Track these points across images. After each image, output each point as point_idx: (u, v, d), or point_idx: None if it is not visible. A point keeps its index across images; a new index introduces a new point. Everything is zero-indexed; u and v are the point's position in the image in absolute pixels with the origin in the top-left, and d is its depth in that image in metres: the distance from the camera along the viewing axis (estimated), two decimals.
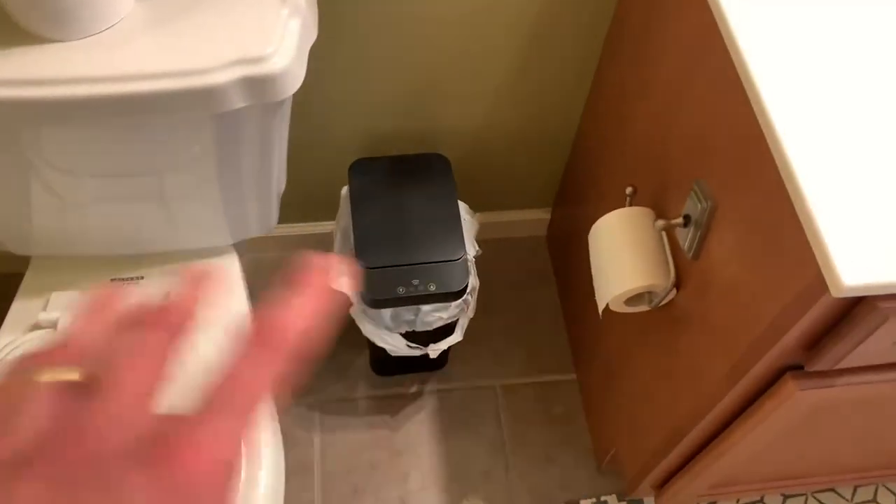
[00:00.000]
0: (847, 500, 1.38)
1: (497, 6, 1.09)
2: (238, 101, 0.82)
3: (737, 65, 0.74)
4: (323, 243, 1.51)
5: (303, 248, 1.53)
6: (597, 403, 1.36)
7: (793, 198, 0.66)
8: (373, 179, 1.23)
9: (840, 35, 0.75)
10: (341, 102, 1.22)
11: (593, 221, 1.00)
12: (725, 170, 0.81)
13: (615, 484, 1.35)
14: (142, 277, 1.05)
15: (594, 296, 1.00)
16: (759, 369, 0.79)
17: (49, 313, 1.01)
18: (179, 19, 0.82)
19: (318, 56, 1.10)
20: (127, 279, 1.04)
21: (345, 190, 1.27)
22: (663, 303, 0.96)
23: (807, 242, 0.64)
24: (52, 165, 0.91)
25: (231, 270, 1.07)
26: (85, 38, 0.80)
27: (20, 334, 1.00)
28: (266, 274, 1.52)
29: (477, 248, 1.26)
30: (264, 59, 0.81)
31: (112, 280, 1.04)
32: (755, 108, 0.71)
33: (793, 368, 0.79)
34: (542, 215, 1.54)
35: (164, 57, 0.80)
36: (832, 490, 1.38)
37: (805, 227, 0.64)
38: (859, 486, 1.37)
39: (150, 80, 0.78)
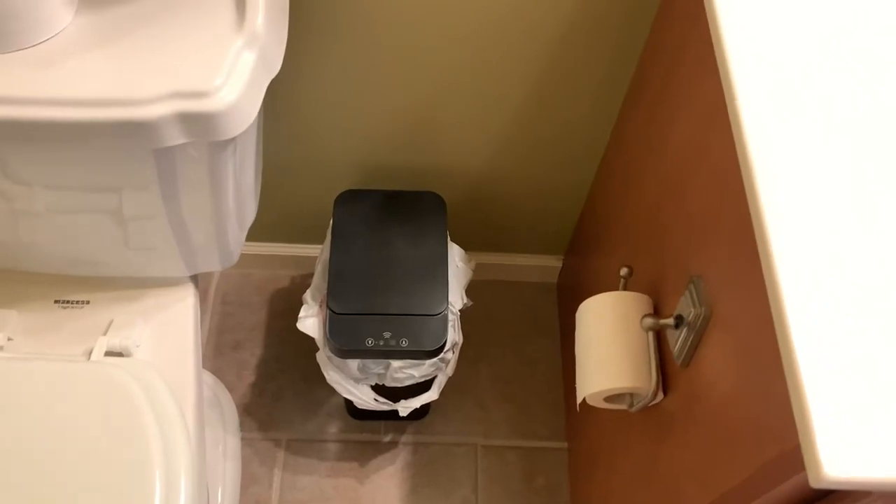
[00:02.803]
0: None
1: (513, 45, 0.98)
2: (175, 138, 0.73)
3: (738, 152, 0.61)
4: (308, 266, 1.42)
5: (289, 269, 1.44)
6: (585, 481, 1.24)
7: (781, 347, 0.53)
8: (359, 214, 1.13)
9: (866, 136, 0.62)
10: (334, 128, 1.12)
11: (604, 278, 0.88)
12: (725, 272, 0.68)
13: None
14: (87, 302, 0.97)
15: None
16: None
17: None
18: (120, 40, 0.73)
19: (314, 75, 1.01)
20: (71, 302, 0.97)
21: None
22: (649, 405, 0.84)
23: (789, 404, 0.52)
24: None
25: (183, 304, 0.98)
26: (11, 52, 0.72)
27: None
28: (249, 293, 1.44)
29: (466, 299, 1.15)
30: (206, 94, 0.71)
31: (55, 302, 0.97)
32: (752, 214, 0.58)
33: None
34: (553, 262, 1.42)
35: (95, 82, 0.71)
36: None
37: (791, 393, 0.51)
38: None
39: (73, 106, 0.70)
